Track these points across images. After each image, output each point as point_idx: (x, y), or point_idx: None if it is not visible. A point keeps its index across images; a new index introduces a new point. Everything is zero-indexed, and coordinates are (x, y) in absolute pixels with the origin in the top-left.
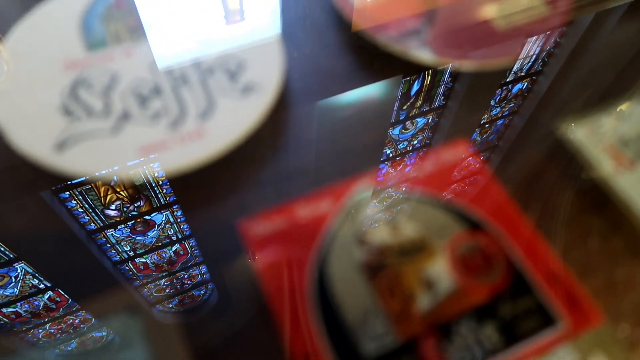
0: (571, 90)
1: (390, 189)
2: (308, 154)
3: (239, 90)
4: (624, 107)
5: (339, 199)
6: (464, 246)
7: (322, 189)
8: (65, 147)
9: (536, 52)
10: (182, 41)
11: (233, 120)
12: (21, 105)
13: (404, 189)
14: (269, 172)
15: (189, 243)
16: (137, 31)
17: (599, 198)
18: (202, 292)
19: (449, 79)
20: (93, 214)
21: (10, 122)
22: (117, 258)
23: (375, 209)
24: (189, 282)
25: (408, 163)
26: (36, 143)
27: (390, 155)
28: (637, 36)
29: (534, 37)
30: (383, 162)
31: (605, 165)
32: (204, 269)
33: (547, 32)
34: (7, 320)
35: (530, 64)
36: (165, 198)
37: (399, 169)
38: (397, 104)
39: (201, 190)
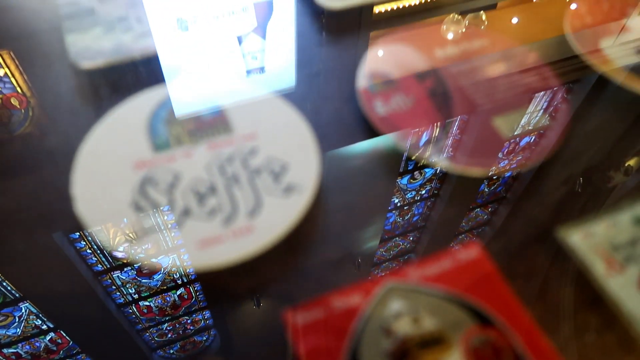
0: (569, 194)
1: (411, 286)
2: (341, 246)
3: (282, 190)
4: (632, 162)
5: (369, 293)
6: (476, 340)
7: (354, 283)
8: (136, 239)
9: (533, 157)
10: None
11: (277, 217)
12: (97, 201)
13: (423, 286)
14: (309, 263)
15: (194, 287)
16: (195, 134)
17: (594, 296)
18: None
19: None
20: (101, 255)
21: (88, 216)
22: (122, 300)
23: (398, 303)
24: None
25: (422, 262)
26: (111, 235)
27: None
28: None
29: (532, 145)
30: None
31: (599, 267)
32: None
33: (545, 142)
34: None
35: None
36: (173, 241)
37: (415, 267)
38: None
39: (249, 280)
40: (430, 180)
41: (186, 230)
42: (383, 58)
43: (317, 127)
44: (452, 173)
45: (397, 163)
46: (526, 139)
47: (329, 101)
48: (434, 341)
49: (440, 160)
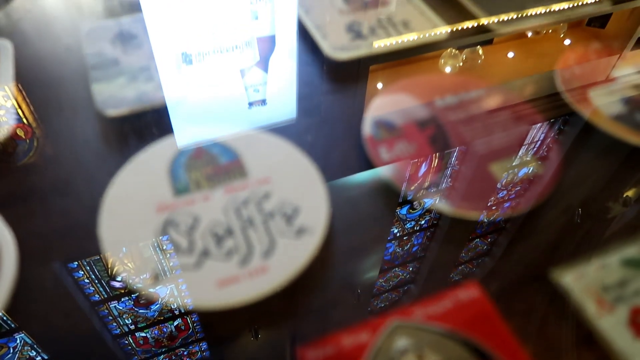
0: (567, 227)
1: (415, 324)
2: (348, 287)
3: (294, 232)
4: (630, 193)
5: (376, 331)
6: None
7: (362, 321)
8: (158, 280)
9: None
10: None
11: (290, 258)
12: (122, 243)
13: (426, 325)
14: (319, 302)
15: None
16: (212, 178)
17: (588, 335)
18: None
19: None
20: (99, 285)
21: (113, 256)
22: (118, 331)
23: (404, 341)
24: None
25: (425, 300)
26: (134, 275)
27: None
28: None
29: (530, 177)
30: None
31: (590, 307)
32: None
33: (542, 174)
34: None
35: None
36: (171, 271)
37: (418, 306)
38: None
39: (258, 319)
40: (429, 210)
41: (205, 271)
42: (381, 95)
43: (317, 158)
44: (451, 205)
45: (396, 194)
46: (524, 170)
47: (329, 134)
48: None
49: (438, 192)
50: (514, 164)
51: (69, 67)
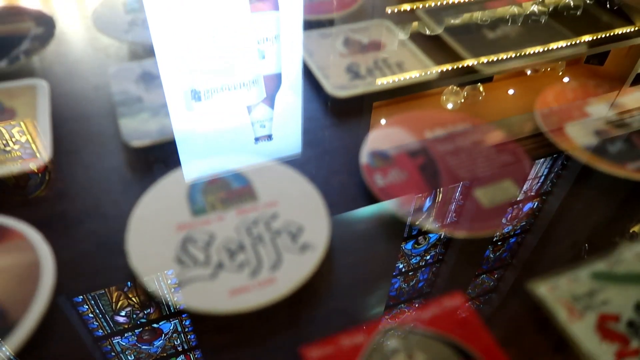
0: (540, 253)
1: (405, 328)
2: (350, 296)
3: (298, 248)
4: (636, 228)
5: (371, 334)
6: None
7: (359, 325)
8: (179, 288)
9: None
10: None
11: (295, 271)
12: (147, 257)
13: (415, 328)
14: (321, 309)
15: (194, 355)
16: (226, 201)
17: (560, 339)
18: None
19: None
20: (102, 319)
21: (138, 268)
22: None
23: (395, 342)
24: None
25: (413, 307)
26: (158, 284)
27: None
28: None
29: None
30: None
31: (562, 315)
32: None
33: (522, 209)
34: None
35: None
36: (175, 306)
37: (408, 312)
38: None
39: (266, 324)
40: (434, 245)
41: (219, 281)
42: (380, 129)
43: (323, 192)
44: (454, 238)
45: (401, 229)
46: (529, 205)
47: (331, 163)
48: None
49: (440, 227)
50: (518, 199)
51: (98, 104)
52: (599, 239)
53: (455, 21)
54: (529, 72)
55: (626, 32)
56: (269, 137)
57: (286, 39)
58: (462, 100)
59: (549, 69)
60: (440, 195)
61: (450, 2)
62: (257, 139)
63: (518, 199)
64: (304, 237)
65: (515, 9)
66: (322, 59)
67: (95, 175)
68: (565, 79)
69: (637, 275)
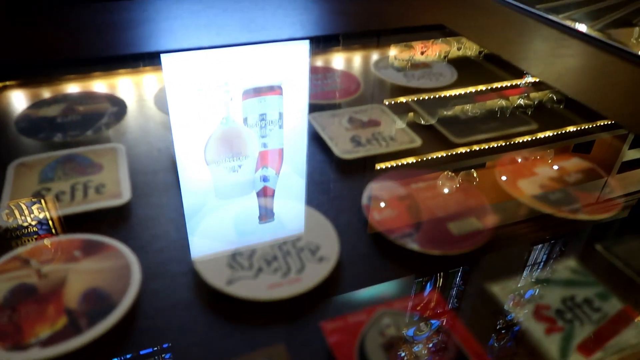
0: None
1: (395, 310)
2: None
3: (316, 259)
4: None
5: (371, 314)
6: (435, 339)
7: (362, 308)
8: (231, 284)
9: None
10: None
11: (314, 274)
12: (207, 262)
13: (403, 311)
14: (334, 299)
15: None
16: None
17: (510, 322)
18: None
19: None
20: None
21: (202, 269)
22: None
23: (388, 319)
24: None
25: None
26: (215, 280)
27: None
28: None
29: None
30: None
31: (510, 305)
32: None
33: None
34: None
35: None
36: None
37: (396, 300)
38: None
39: (295, 308)
40: (436, 332)
41: (259, 280)
42: (379, 183)
43: (334, 223)
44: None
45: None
46: (530, 292)
47: (342, 207)
48: (408, 340)
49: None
50: (518, 285)
51: (161, 161)
52: (538, 248)
53: (448, 113)
54: (519, 160)
55: (607, 124)
56: (272, 215)
57: (290, 119)
58: (458, 185)
59: (538, 157)
60: (421, 227)
61: (442, 95)
62: (260, 219)
63: (480, 230)
64: (321, 252)
65: (503, 102)
66: (332, 132)
67: (162, 210)
68: (555, 166)
69: (562, 280)
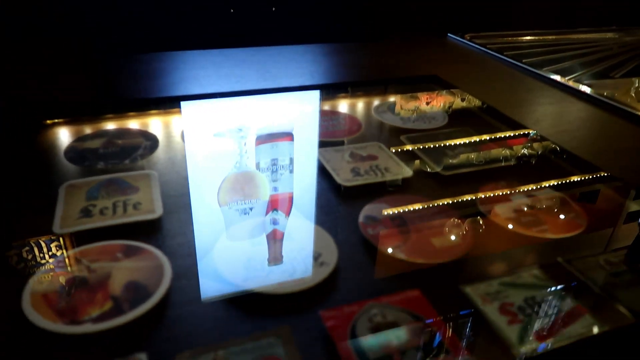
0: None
1: (381, 303)
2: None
3: (319, 264)
4: None
5: (362, 306)
6: (413, 325)
7: (354, 302)
8: (246, 281)
9: None
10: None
11: (318, 274)
12: (226, 264)
13: (388, 304)
14: (332, 294)
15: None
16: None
17: (479, 316)
18: None
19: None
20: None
21: (225, 272)
22: None
23: (375, 309)
24: None
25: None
26: (233, 278)
27: None
28: None
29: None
30: None
31: (479, 302)
32: None
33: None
34: None
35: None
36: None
37: (383, 296)
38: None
39: (300, 299)
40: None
41: (271, 278)
42: (374, 205)
43: (334, 237)
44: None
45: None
46: (542, 346)
47: (342, 225)
48: (392, 324)
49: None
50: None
51: (187, 188)
52: (508, 260)
53: (453, 161)
54: (525, 209)
55: (609, 174)
56: (280, 259)
57: (300, 163)
58: (464, 232)
59: (544, 206)
60: (409, 240)
61: (448, 144)
62: (269, 262)
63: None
64: (322, 259)
65: (507, 151)
66: (335, 164)
67: (187, 224)
68: (561, 216)
69: (524, 284)
